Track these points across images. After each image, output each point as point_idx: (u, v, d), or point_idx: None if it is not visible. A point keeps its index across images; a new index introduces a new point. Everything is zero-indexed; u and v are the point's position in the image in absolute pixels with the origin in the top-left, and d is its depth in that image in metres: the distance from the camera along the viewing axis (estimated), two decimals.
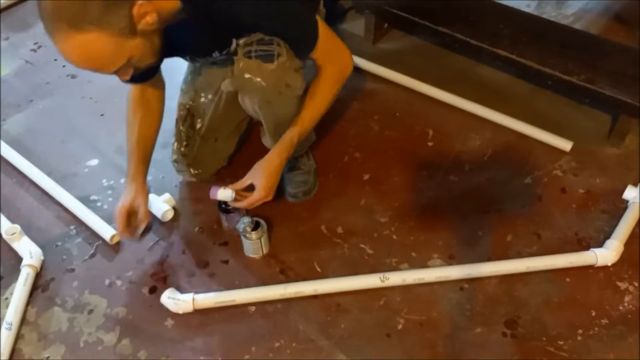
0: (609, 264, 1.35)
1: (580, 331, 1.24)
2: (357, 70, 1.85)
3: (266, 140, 1.52)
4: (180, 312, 1.29)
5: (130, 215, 1.34)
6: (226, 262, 1.41)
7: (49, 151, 1.71)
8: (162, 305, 1.30)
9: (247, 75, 1.23)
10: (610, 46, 1.61)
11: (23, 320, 1.30)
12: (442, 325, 1.26)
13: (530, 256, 1.37)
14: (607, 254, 1.35)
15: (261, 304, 1.31)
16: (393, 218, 1.48)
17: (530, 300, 1.30)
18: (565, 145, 1.62)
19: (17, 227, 1.43)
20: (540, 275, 1.34)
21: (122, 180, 1.60)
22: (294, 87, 1.28)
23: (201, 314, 1.30)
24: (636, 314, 1.27)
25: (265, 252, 1.41)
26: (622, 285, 1.32)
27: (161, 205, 1.49)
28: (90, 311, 1.32)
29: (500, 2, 1.73)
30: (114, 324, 1.29)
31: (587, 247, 1.39)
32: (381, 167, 1.61)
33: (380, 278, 1.31)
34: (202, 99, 1.51)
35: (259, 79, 1.23)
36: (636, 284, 1.32)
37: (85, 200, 1.54)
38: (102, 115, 1.83)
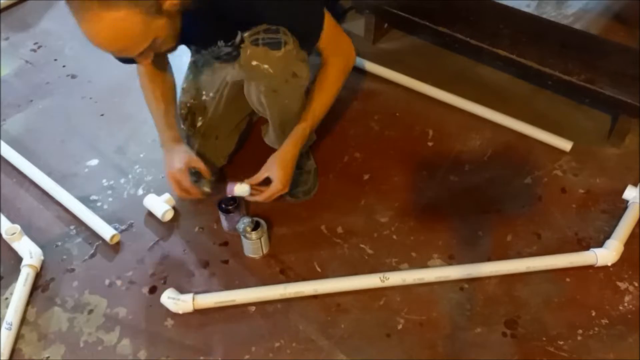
0: (609, 264, 1.35)
1: (580, 331, 1.24)
2: (357, 70, 1.85)
3: (269, 138, 1.52)
4: (180, 312, 1.29)
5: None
6: (226, 262, 1.41)
7: (49, 151, 1.71)
8: (162, 305, 1.30)
9: (254, 63, 1.23)
10: (610, 46, 1.61)
11: (23, 320, 1.30)
12: (442, 325, 1.26)
13: (530, 256, 1.37)
14: (607, 254, 1.35)
15: (261, 304, 1.31)
16: (393, 218, 1.48)
17: (530, 300, 1.30)
18: (565, 145, 1.62)
19: (17, 227, 1.43)
20: (540, 275, 1.34)
21: (122, 180, 1.60)
22: (300, 77, 1.28)
23: (201, 314, 1.30)
24: (636, 314, 1.27)
25: (265, 252, 1.41)
26: (622, 285, 1.32)
27: (161, 205, 1.49)
28: (90, 311, 1.32)
29: (500, 2, 1.73)
30: (114, 324, 1.29)
31: (587, 247, 1.39)
32: (381, 167, 1.61)
33: (380, 278, 1.32)
34: (204, 97, 1.51)
35: (266, 66, 1.23)
36: (636, 284, 1.32)
37: (85, 200, 1.53)
38: (102, 115, 1.82)
